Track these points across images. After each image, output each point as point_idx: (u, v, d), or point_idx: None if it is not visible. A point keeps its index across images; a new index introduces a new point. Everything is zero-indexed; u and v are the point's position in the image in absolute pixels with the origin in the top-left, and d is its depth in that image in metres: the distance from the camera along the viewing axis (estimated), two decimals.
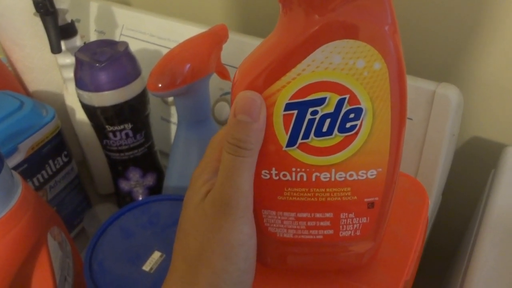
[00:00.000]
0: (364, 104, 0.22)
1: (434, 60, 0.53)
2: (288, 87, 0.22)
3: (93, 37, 0.66)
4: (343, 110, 0.22)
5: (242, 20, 0.65)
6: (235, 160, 0.22)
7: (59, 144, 0.49)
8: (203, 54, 0.40)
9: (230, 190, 0.22)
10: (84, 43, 0.51)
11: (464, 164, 0.56)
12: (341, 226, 0.26)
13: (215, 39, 0.41)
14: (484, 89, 0.51)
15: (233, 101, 0.24)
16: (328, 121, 0.23)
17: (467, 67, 0.51)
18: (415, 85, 0.43)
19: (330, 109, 0.22)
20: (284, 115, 0.23)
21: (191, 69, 0.39)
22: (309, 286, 0.29)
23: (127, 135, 0.48)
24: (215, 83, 0.51)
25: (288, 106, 0.22)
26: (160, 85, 0.38)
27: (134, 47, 0.60)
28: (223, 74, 0.43)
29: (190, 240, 0.24)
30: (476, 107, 0.52)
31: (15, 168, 0.44)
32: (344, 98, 0.22)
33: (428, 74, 0.50)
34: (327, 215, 0.25)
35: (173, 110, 0.60)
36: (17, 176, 0.34)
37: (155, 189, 0.54)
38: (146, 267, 0.36)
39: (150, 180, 0.53)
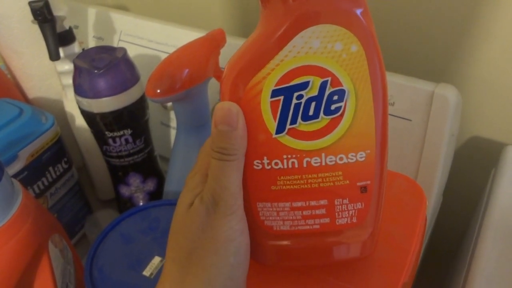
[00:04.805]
0: (346, 85, 0.23)
1: (432, 61, 0.53)
2: (272, 74, 0.23)
3: (91, 43, 0.67)
4: (327, 92, 0.23)
5: (239, 24, 0.65)
6: (222, 164, 0.24)
7: (59, 150, 0.49)
8: (201, 59, 0.40)
9: (218, 189, 0.24)
10: (83, 49, 0.51)
11: (464, 164, 0.56)
12: (336, 214, 0.26)
13: (213, 43, 0.41)
14: (483, 89, 0.51)
15: (221, 97, 0.25)
16: (313, 104, 0.24)
17: (465, 67, 0.51)
18: (413, 86, 0.43)
19: (314, 92, 0.23)
20: (271, 102, 0.24)
21: (189, 74, 0.39)
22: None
23: (126, 140, 0.48)
24: (213, 87, 0.51)
25: (274, 93, 0.24)
26: (158, 91, 0.38)
27: (133, 52, 0.60)
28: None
29: (180, 240, 0.24)
30: (475, 106, 0.52)
31: (15, 176, 0.44)
32: (327, 81, 0.23)
33: (427, 75, 0.50)
34: (322, 202, 0.26)
35: (173, 114, 0.60)
36: (17, 184, 0.34)
37: (156, 194, 0.54)
38: (147, 272, 0.36)
39: (150, 185, 0.53)
